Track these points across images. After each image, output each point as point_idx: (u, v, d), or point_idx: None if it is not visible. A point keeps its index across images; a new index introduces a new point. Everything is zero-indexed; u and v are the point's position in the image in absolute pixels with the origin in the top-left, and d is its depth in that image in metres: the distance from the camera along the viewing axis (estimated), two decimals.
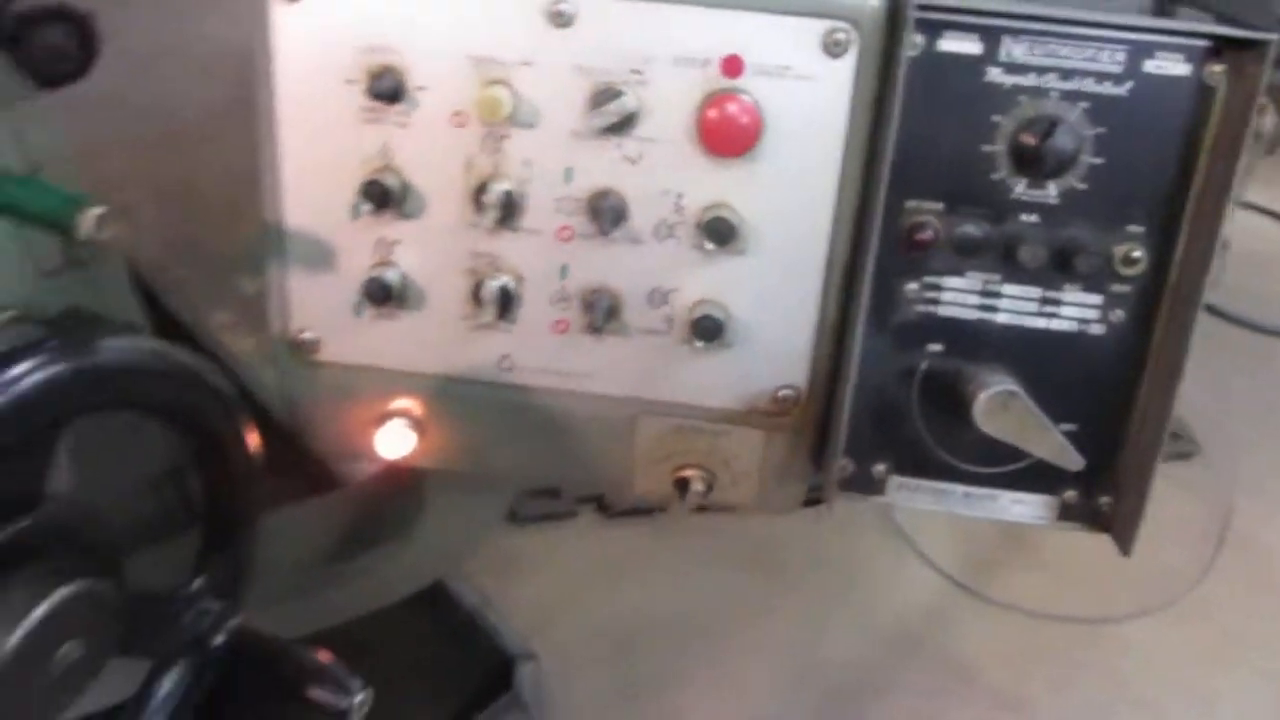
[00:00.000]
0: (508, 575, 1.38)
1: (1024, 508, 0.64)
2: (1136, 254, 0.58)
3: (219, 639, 0.56)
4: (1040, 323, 0.60)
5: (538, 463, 0.69)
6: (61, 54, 1.86)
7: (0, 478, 0.44)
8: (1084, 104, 0.56)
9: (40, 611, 0.45)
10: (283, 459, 0.85)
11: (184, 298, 1.51)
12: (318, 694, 0.55)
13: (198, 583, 0.56)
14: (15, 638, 0.44)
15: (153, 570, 0.56)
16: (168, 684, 0.56)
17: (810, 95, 0.57)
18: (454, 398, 0.66)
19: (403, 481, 0.84)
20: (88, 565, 0.48)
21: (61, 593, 0.45)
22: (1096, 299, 0.59)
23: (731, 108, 0.57)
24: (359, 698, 0.55)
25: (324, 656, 0.57)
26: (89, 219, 0.53)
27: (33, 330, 0.52)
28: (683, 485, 0.67)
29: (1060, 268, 0.59)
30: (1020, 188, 0.58)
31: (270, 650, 0.56)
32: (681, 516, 1.48)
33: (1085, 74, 0.56)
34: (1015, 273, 0.59)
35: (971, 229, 0.59)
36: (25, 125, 0.76)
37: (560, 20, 0.56)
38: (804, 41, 0.56)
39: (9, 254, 0.71)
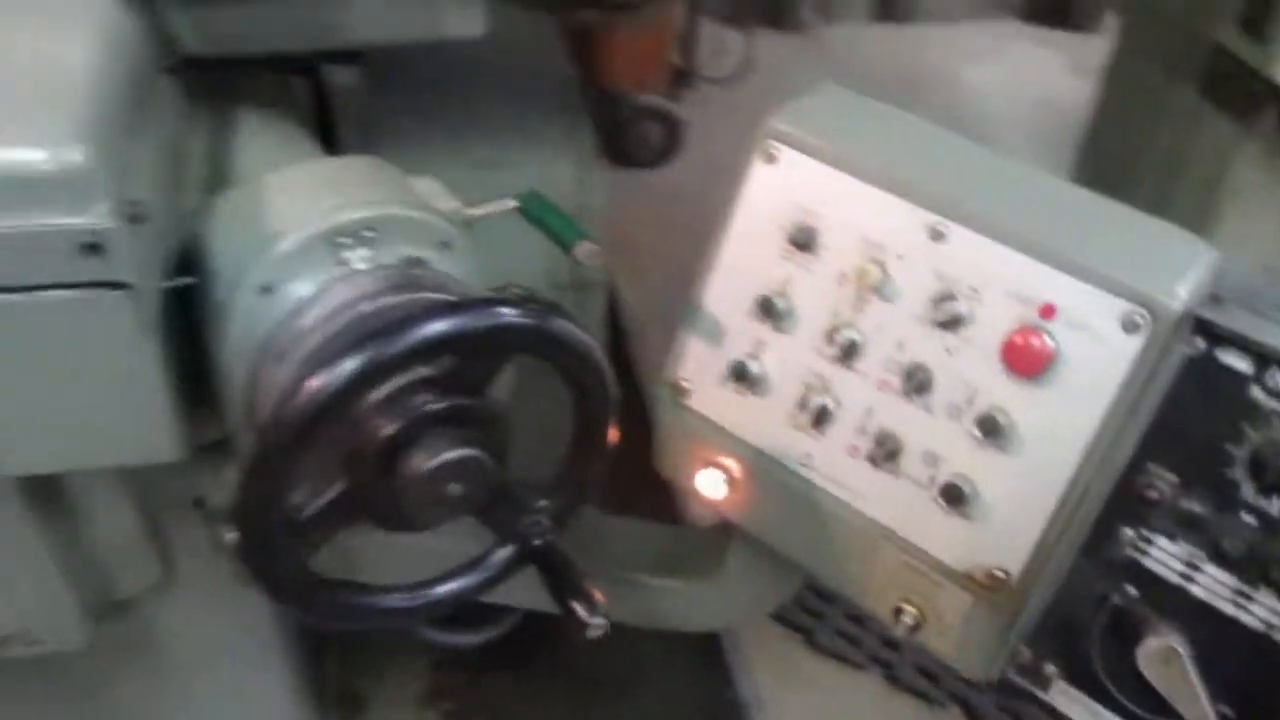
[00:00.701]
0: (786, 687, 1.54)
1: None
2: None
3: (539, 542, 0.81)
4: (1229, 609, 0.70)
5: (801, 548, 0.88)
6: (649, 145, 2.37)
7: (469, 368, 0.72)
8: None
9: (452, 455, 0.71)
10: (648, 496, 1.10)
11: (646, 350, 1.84)
12: (576, 606, 0.78)
13: (543, 502, 0.82)
14: (434, 462, 0.71)
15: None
16: (501, 555, 0.82)
17: (1099, 353, 0.72)
18: (761, 470, 0.87)
19: (716, 537, 1.06)
20: (488, 448, 0.74)
21: (467, 451, 0.72)
22: None
23: (1035, 341, 0.73)
24: (599, 620, 0.77)
25: (597, 592, 0.80)
26: (584, 248, 0.82)
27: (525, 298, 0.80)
28: (898, 614, 0.83)
29: (1262, 571, 0.68)
30: (1249, 491, 0.69)
31: (566, 565, 0.80)
32: None
33: None
34: (1221, 559, 0.70)
35: (1195, 507, 0.70)
36: (586, 184, 1.09)
37: (936, 236, 0.77)
38: (1108, 313, 0.71)
39: (536, 262, 1.04)
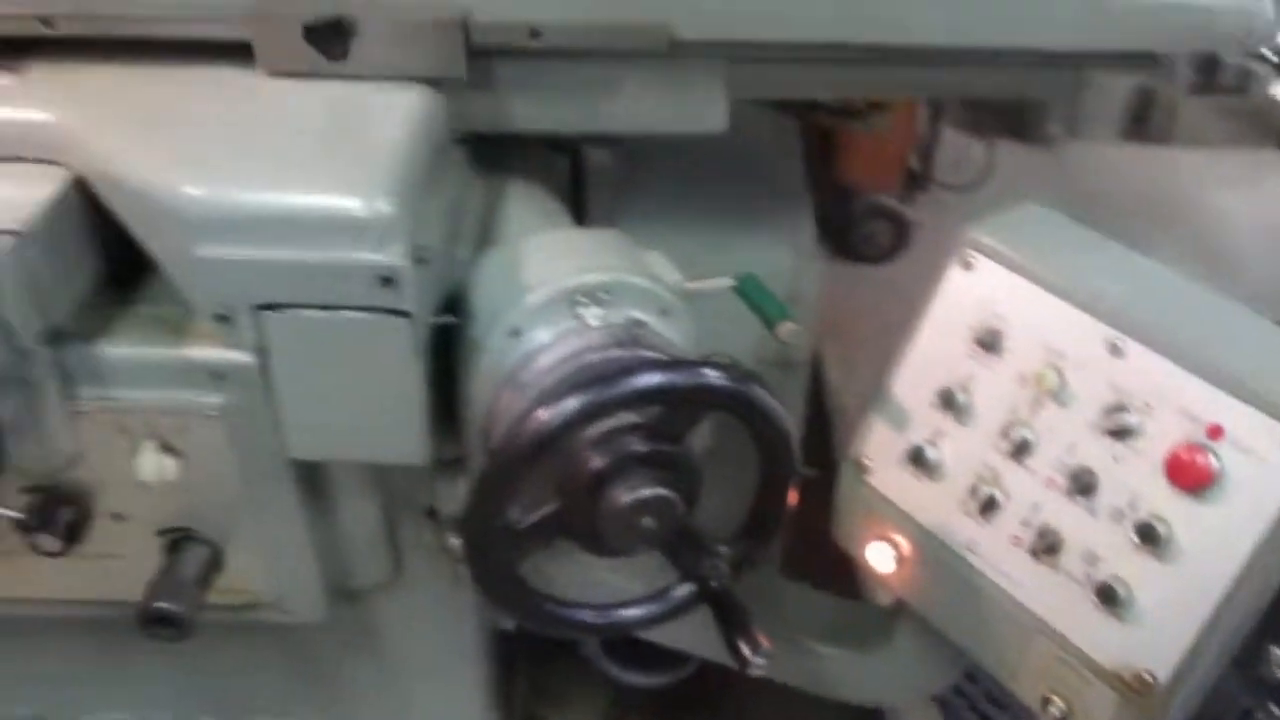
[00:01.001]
0: None
1: None
2: None
3: (715, 585, 0.90)
4: None
5: (959, 628, 0.94)
6: (875, 242, 2.49)
7: (672, 418, 0.82)
8: None
9: (648, 492, 0.82)
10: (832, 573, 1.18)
11: (846, 434, 1.91)
12: (741, 645, 0.87)
13: (724, 549, 0.91)
14: (632, 497, 0.82)
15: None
16: (681, 591, 0.92)
17: (1263, 477, 0.76)
18: (928, 550, 0.93)
19: (887, 614, 1.12)
20: (681, 491, 0.84)
21: (661, 491, 0.82)
22: None
23: (1200, 459, 0.78)
24: (761, 660, 0.85)
25: (763, 637, 0.89)
26: (786, 328, 0.92)
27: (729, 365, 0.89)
28: (1046, 704, 0.87)
29: None
30: None
31: (738, 609, 0.89)
32: None
33: None
34: None
35: None
36: (801, 273, 1.19)
37: (1115, 350, 0.83)
38: (1275, 439, 0.75)
39: (747, 337, 1.14)
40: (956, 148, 2.99)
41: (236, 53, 0.96)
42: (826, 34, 0.99)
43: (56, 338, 0.87)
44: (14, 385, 0.85)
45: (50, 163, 0.89)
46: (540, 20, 0.96)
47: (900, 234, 2.71)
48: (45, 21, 0.95)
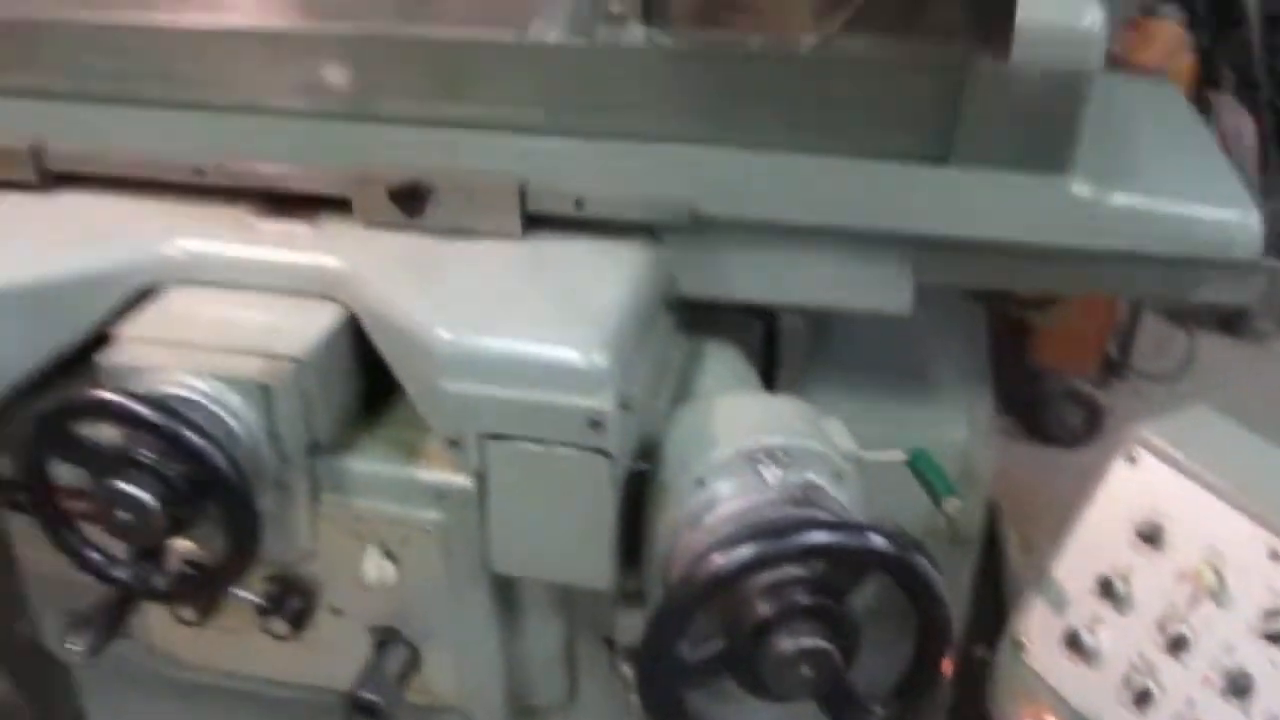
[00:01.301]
0: None
1: None
2: None
3: None
4: None
5: None
6: (1066, 426, 2.47)
7: (837, 576, 0.89)
8: None
9: (809, 644, 0.88)
10: None
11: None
12: None
13: (877, 708, 0.96)
14: (794, 646, 0.88)
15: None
16: None
17: None
18: None
19: None
20: (840, 646, 0.90)
21: (822, 644, 0.89)
22: None
23: None
24: None
25: None
26: (950, 504, 0.98)
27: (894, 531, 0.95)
28: None
29: None
30: None
31: None
32: None
33: None
34: None
35: None
36: (974, 453, 1.24)
37: (1275, 556, 0.85)
38: None
39: (918, 508, 1.19)
40: (1158, 336, 2.96)
41: (338, 205, 1.14)
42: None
43: (314, 449, 1.02)
44: (274, 486, 1.01)
45: (328, 299, 1.06)
46: (583, 192, 1.10)
47: (1093, 419, 2.68)
48: (198, 171, 1.15)
